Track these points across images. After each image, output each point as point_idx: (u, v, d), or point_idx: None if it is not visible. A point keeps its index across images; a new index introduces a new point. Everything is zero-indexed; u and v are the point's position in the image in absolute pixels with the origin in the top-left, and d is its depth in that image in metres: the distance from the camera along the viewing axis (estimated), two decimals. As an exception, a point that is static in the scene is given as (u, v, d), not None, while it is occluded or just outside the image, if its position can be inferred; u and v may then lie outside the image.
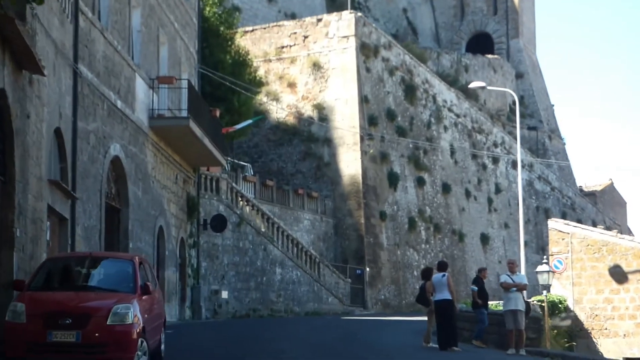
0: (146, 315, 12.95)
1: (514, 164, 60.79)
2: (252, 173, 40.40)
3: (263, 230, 36.33)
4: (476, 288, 21.16)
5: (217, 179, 34.10)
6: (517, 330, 19.87)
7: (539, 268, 27.51)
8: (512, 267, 20.79)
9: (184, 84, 26.22)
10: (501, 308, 21.08)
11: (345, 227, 44.45)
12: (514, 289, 19.89)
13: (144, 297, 13.18)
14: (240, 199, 35.61)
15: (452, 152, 54.01)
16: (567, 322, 29.41)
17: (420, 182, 49.74)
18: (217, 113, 29.81)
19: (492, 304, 23.24)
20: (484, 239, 55.69)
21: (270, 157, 47.28)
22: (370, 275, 43.58)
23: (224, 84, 35.79)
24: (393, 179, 47.02)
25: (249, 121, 32.15)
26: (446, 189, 52.28)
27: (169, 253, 27.91)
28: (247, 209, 36.00)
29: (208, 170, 34.01)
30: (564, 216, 58.99)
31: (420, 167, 50.08)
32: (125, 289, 13.04)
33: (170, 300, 27.94)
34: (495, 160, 59.50)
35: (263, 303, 35.76)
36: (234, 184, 35.38)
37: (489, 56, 74.72)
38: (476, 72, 70.84)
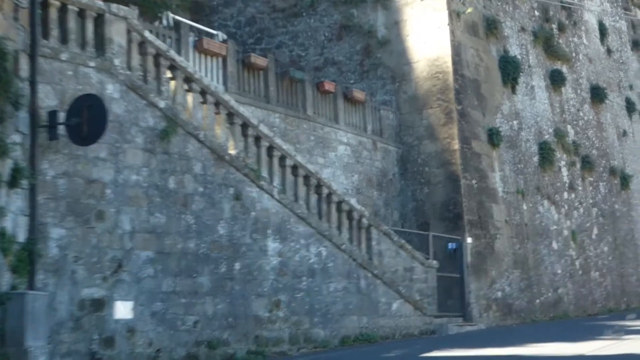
0: None
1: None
2: (222, 40, 20.30)
3: (233, 153, 16.47)
4: None
5: (99, 17, 14.25)
6: None
7: None
8: None
9: None
10: None
11: (422, 159, 24.36)
12: None
13: None
14: (171, 74, 15.66)
15: (603, 34, 33.24)
16: None
17: (556, 78, 29.18)
18: None
19: None
20: (658, 185, 34.92)
21: (277, 40, 27.28)
22: (474, 253, 23.49)
23: None
24: (510, 69, 26.62)
25: None
26: (597, 95, 31.59)
27: None
28: (190, 99, 16.02)
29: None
30: None
31: (555, 52, 29.45)
32: None
33: None
34: (665, 55, 38.48)
35: (234, 326, 15.90)
36: (149, 35, 15.31)
37: None
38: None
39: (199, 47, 18.80)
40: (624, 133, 33.13)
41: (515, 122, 26.55)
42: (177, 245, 15.08)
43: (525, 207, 26.05)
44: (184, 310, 15.04)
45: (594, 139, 30.93)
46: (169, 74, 15.45)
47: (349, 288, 18.70)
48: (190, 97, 15.84)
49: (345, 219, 19.12)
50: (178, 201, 15.20)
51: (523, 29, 27.95)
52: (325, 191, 18.55)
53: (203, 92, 16.02)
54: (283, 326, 16.95)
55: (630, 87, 34.41)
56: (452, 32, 24.52)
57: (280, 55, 26.06)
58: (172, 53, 15.49)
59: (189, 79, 15.76)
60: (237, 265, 16.16)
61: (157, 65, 15.20)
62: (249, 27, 27.51)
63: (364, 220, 19.52)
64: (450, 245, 22.98)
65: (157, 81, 15.17)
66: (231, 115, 16.60)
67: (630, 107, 33.82)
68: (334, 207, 18.79)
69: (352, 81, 25.42)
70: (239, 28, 27.38)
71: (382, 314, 19.53)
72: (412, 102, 24.66)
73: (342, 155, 22.52)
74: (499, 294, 24.06)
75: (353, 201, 19.72)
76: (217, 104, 16.33)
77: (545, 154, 27.33)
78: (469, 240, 23.25)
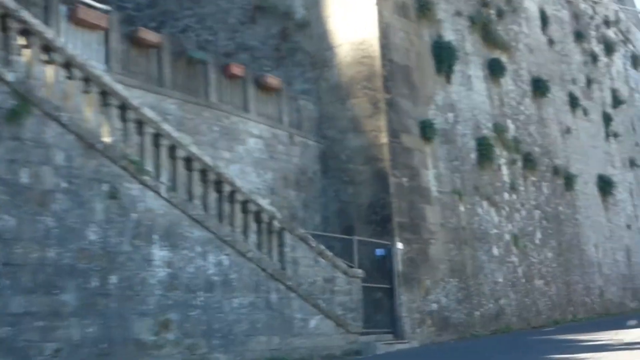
0: None
1: (635, 61, 38.01)
2: (105, 11, 17.41)
3: (107, 141, 13.60)
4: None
5: None
6: None
7: None
8: None
9: None
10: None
11: (346, 155, 21.74)
12: None
13: None
14: (25, 40, 12.74)
15: (544, 23, 31.11)
16: None
17: (494, 68, 26.88)
18: None
19: None
20: (604, 185, 32.85)
21: (182, 24, 24.50)
22: (406, 260, 20.93)
23: None
24: (444, 56, 24.18)
25: None
26: (539, 88, 29.43)
27: None
28: (50, 73, 13.13)
29: None
30: None
31: (494, 40, 27.17)
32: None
33: None
34: (609, 50, 36.59)
35: (110, 353, 12.99)
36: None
37: None
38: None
39: (73, 18, 15.87)
40: (568, 130, 31.01)
41: (450, 114, 24.12)
42: (32, 254, 12.15)
43: (462, 209, 23.61)
44: (40, 335, 12.11)
45: (536, 135, 28.70)
46: (21, 41, 12.54)
47: (256, 303, 15.94)
48: (50, 70, 12.93)
49: (253, 221, 16.37)
50: (33, 199, 12.27)
51: (459, 13, 25.58)
52: (227, 189, 15.78)
53: (68, 65, 13.12)
54: (173, 351, 14.11)
55: (574, 81, 32.36)
56: (380, 13, 21.99)
57: (187, 41, 23.23)
58: (25, 14, 12.57)
59: (48, 48, 12.86)
60: (113, 279, 13.28)
61: (4, 29, 12.29)
62: (150, 9, 24.68)
63: (276, 223, 16.79)
64: (378, 252, 20.38)
65: (4, 49, 12.26)
66: (105, 94, 13.73)
67: (573, 102, 31.75)
68: (238, 207, 16.02)
69: (267, 68, 22.73)
70: (140, 10, 24.50)
71: (298, 332, 16.80)
72: (335, 91, 22.05)
73: (252, 149, 19.76)
74: (435, 306, 21.53)
75: (264, 201, 16.98)
76: (87, 80, 13.44)
77: (484, 150, 24.96)
78: (400, 245, 20.68)
